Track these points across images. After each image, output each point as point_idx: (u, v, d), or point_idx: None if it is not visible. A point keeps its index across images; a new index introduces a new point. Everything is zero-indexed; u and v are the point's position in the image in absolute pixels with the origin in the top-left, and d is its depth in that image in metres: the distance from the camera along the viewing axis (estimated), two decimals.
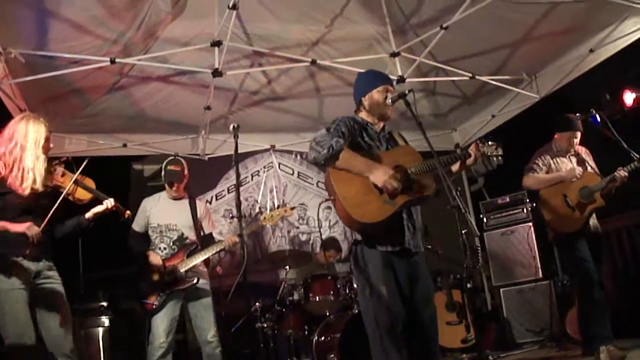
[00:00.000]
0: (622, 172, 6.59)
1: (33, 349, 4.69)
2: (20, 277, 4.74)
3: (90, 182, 5.29)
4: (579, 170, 6.84)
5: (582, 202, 6.74)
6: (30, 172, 4.83)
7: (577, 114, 6.83)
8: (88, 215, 5.26)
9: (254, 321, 7.66)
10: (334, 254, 9.24)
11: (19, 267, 4.78)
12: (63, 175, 5.12)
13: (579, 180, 6.78)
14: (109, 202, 5.31)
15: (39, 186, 4.86)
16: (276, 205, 10.22)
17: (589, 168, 6.97)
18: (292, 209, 7.20)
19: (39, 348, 4.80)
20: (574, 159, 7.03)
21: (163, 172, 6.82)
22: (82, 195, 5.20)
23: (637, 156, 6.45)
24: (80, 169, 5.20)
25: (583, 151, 7.10)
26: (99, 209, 5.23)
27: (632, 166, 6.50)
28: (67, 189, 5.08)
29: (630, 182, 6.65)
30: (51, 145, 5.07)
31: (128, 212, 5.67)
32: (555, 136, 7.07)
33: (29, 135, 4.92)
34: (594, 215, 6.86)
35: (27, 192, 4.82)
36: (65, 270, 5.31)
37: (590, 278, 6.58)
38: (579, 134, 6.95)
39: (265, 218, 6.84)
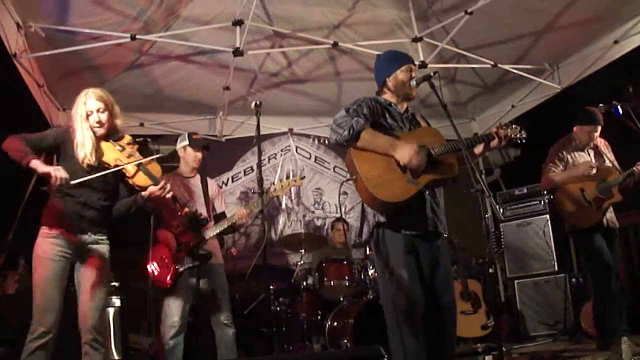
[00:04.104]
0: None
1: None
2: (58, 248, 4.73)
3: (156, 170, 5.07)
4: (594, 164, 6.76)
5: (600, 197, 6.66)
6: (81, 147, 4.78)
7: (600, 105, 6.74)
8: (144, 193, 5.15)
9: (267, 304, 7.62)
10: (345, 227, 9.19)
11: (61, 237, 4.76)
12: (130, 156, 5.00)
13: (596, 175, 6.70)
14: (165, 189, 5.17)
15: (92, 161, 4.77)
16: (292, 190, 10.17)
17: (607, 161, 6.89)
18: (302, 178, 7.11)
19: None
20: (592, 152, 6.95)
21: (187, 142, 6.67)
22: (142, 181, 4.95)
23: None
24: (150, 158, 4.98)
25: (602, 143, 7.00)
26: (153, 189, 5.08)
27: None
28: (127, 170, 4.90)
29: None
30: (97, 119, 4.88)
31: (187, 210, 5.59)
32: (575, 129, 6.96)
33: (77, 109, 4.89)
34: (610, 208, 6.79)
35: (84, 165, 4.78)
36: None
37: (607, 269, 6.53)
38: (599, 128, 6.84)
39: (276, 189, 6.73)
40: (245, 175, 10.37)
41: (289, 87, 9.14)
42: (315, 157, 10.87)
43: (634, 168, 6.51)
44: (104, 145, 4.92)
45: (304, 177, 8.29)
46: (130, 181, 4.93)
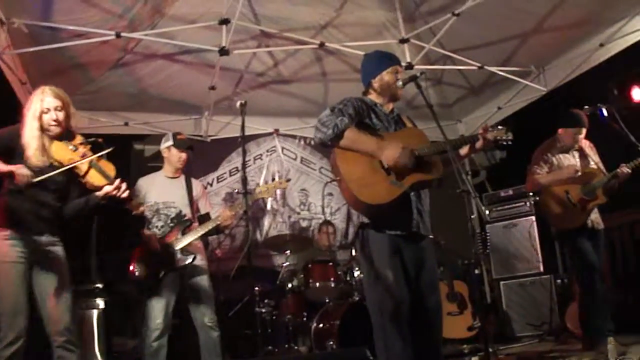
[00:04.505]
0: (624, 169, 6.53)
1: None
2: (18, 249, 4.65)
3: (110, 168, 4.96)
4: (579, 168, 6.78)
5: (584, 199, 6.70)
6: (29, 146, 4.71)
7: (585, 107, 6.75)
8: (99, 193, 5.09)
9: (252, 306, 7.60)
10: (332, 230, 9.17)
11: (18, 239, 4.68)
12: (84, 156, 4.94)
13: (581, 177, 6.72)
14: (120, 188, 5.10)
15: (39, 161, 4.69)
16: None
17: (592, 163, 6.92)
18: (288, 181, 7.14)
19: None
20: (577, 154, 6.98)
21: (172, 142, 6.66)
22: (97, 180, 4.86)
23: None
24: (100, 153, 4.93)
25: (587, 145, 7.04)
26: (108, 188, 5.02)
27: (636, 162, 6.43)
28: (80, 169, 4.86)
29: (633, 178, 6.60)
30: (54, 118, 4.85)
31: (142, 208, 5.52)
32: (560, 131, 6.99)
33: (31, 106, 4.80)
34: (595, 210, 6.81)
35: (32, 164, 4.71)
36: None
37: (592, 270, 6.58)
38: (584, 131, 6.88)
39: (261, 191, 6.71)
40: (230, 175, 10.31)
41: (275, 87, 9.10)
42: (301, 158, 10.84)
43: (618, 170, 6.53)
44: (57, 144, 4.83)
45: (290, 179, 8.30)
46: (84, 180, 4.85)
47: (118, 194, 4.92)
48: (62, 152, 4.81)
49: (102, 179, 4.85)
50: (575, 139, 6.88)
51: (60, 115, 4.85)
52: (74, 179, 4.85)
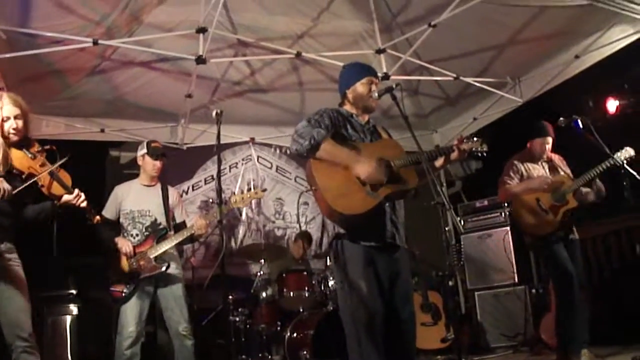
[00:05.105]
0: (598, 184, 6.65)
1: None
2: None
3: (66, 177, 5.00)
4: (550, 178, 6.84)
5: (555, 205, 6.74)
6: None
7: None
8: (61, 202, 5.07)
9: (226, 315, 7.59)
10: (306, 245, 9.14)
11: None
12: (43, 165, 4.93)
13: (551, 184, 6.79)
14: (80, 197, 5.10)
15: None
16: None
17: (561, 173, 6.98)
18: (264, 191, 7.11)
19: None
20: (546, 165, 7.05)
21: (146, 150, 6.64)
22: (56, 190, 4.90)
23: (620, 161, 6.39)
24: (60, 162, 4.97)
25: (556, 158, 7.11)
26: (68, 197, 5.01)
27: (605, 165, 6.48)
28: (41, 179, 4.84)
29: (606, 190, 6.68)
30: (14, 126, 4.81)
31: (98, 217, 5.47)
32: (528, 144, 7.10)
33: None
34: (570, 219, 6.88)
35: None
36: (34, 255, 5.17)
37: (568, 279, 6.57)
38: (550, 140, 6.99)
39: (236, 201, 6.68)
40: (205, 184, 10.29)
41: (252, 96, 9.10)
42: (277, 166, 10.84)
43: (593, 182, 6.61)
44: (15, 152, 4.81)
45: (266, 189, 8.29)
46: (45, 191, 4.86)
47: (77, 203, 4.93)
48: (21, 159, 4.81)
49: (61, 188, 4.89)
50: (543, 148, 6.98)
51: (20, 123, 4.84)
52: (30, 186, 4.81)
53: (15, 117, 4.81)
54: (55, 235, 8.24)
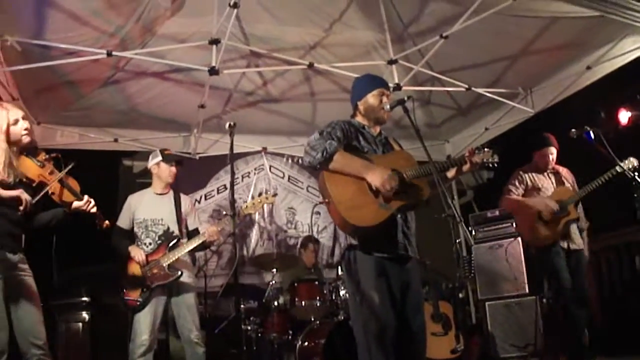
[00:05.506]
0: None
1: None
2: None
3: (74, 184, 5.08)
4: (555, 207, 6.84)
5: (556, 216, 6.75)
6: None
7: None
8: (72, 208, 5.11)
9: (238, 323, 7.61)
10: (316, 247, 9.16)
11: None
12: (52, 173, 4.97)
13: (553, 194, 6.81)
14: (90, 203, 5.14)
15: (5, 177, 4.67)
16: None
17: (567, 185, 7.00)
18: (274, 195, 7.11)
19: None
20: (552, 177, 7.08)
21: (161, 158, 6.71)
22: (67, 197, 4.98)
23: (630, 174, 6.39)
24: (67, 168, 5.02)
25: (564, 172, 7.14)
26: (78, 204, 5.05)
27: (608, 175, 6.50)
28: (50, 187, 4.87)
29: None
30: (26, 126, 4.86)
31: (107, 222, 5.50)
32: (534, 155, 7.20)
33: None
34: (576, 231, 6.88)
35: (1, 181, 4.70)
36: (45, 263, 5.21)
37: (563, 292, 6.60)
38: (553, 150, 7.09)
39: (247, 207, 6.69)
40: (218, 193, 10.34)
41: (264, 106, 9.13)
42: (289, 176, 10.88)
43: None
44: (24, 160, 4.88)
45: (276, 194, 8.31)
46: (56, 199, 4.93)
47: (87, 209, 5.00)
48: (30, 168, 4.88)
49: (71, 195, 4.98)
50: (547, 158, 7.09)
51: (27, 124, 4.90)
52: (44, 195, 4.88)
53: (23, 118, 4.88)
54: (67, 243, 8.29)
